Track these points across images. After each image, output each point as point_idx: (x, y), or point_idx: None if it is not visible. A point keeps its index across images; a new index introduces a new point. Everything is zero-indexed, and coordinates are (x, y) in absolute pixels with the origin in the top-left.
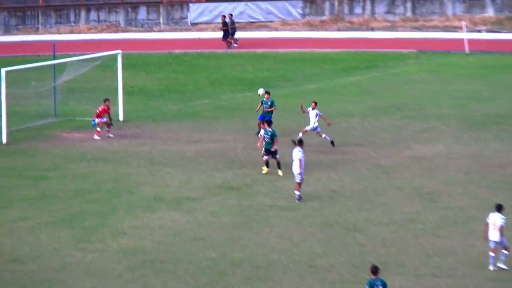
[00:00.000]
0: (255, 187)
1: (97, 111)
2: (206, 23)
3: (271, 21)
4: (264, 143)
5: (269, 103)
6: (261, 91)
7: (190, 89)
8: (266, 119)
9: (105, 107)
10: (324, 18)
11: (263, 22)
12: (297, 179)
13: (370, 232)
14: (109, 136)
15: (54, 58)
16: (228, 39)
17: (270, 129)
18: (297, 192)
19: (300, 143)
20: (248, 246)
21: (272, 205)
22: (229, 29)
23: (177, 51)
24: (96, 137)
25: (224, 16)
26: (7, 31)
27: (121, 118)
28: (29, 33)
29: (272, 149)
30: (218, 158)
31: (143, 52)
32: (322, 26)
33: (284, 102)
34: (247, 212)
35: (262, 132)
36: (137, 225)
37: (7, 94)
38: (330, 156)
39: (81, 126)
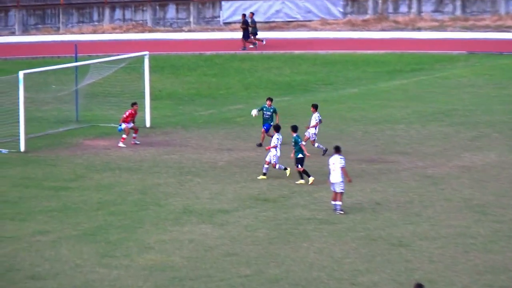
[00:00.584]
0: (292, 198)
1: (124, 115)
2: (240, 22)
3: (310, 21)
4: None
5: (271, 110)
6: (254, 112)
7: (223, 94)
8: (265, 127)
9: (133, 112)
10: (367, 17)
11: (301, 21)
12: (340, 189)
13: (416, 247)
14: (135, 143)
15: (76, 60)
16: (252, 40)
17: (294, 135)
18: (339, 203)
19: (338, 150)
20: (285, 263)
21: (311, 218)
22: (249, 28)
23: (208, 52)
24: (121, 144)
25: (244, 15)
26: (25, 31)
27: (148, 124)
28: (49, 33)
29: (307, 155)
30: (253, 167)
31: (172, 54)
32: (365, 25)
33: (324, 108)
34: (284, 226)
35: (274, 140)
36: (165, 240)
37: (26, 98)
38: (373, 166)
39: (104, 133)
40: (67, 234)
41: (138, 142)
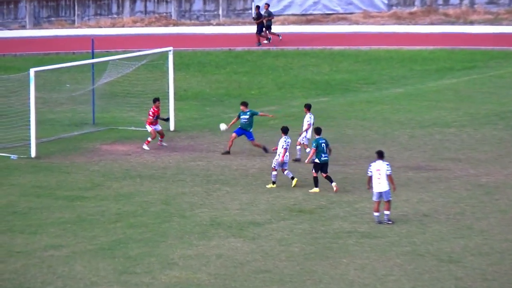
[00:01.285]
0: (331, 209)
1: (149, 117)
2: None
3: (351, 13)
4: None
5: (248, 113)
6: (222, 126)
7: (255, 94)
8: (244, 133)
9: (155, 108)
10: (414, 9)
11: (341, 14)
12: (389, 197)
13: (468, 263)
14: (161, 145)
15: (93, 57)
16: (263, 34)
17: (316, 137)
18: (387, 212)
19: (381, 155)
20: (322, 280)
21: (352, 231)
22: (264, 22)
23: (239, 48)
24: (145, 146)
25: (258, 7)
26: (37, 25)
27: (172, 127)
28: (63, 26)
29: (305, 162)
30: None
31: (198, 50)
32: (412, 19)
33: (366, 109)
34: (321, 240)
35: (282, 143)
36: (190, 255)
37: (37, 98)
38: (421, 173)
39: (124, 137)
40: (82, 249)
41: (165, 144)
